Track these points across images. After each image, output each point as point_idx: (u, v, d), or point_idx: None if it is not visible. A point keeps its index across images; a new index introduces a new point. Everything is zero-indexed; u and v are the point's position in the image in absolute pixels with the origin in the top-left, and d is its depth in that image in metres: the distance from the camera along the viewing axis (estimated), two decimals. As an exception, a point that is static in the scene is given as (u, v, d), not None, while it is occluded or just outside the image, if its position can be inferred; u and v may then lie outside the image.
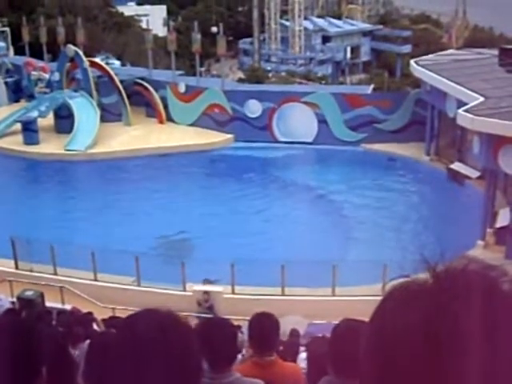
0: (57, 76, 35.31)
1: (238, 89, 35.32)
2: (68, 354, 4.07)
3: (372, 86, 36.89)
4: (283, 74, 62.91)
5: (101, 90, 34.32)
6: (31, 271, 19.30)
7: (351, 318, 3.33)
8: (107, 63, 37.22)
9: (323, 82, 59.29)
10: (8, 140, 32.41)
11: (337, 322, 3.38)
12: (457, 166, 27.54)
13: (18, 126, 32.40)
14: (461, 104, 23.12)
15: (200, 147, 32.01)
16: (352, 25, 72.51)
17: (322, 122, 31.85)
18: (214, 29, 54.26)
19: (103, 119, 33.02)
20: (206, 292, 18.17)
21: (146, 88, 34.64)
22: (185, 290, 18.52)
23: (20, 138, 32.08)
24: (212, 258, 17.81)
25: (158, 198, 26.53)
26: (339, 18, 74.23)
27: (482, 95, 22.79)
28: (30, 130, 31.97)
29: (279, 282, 18.10)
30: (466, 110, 21.37)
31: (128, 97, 34.15)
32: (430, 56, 31.42)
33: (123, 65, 43.85)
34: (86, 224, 23.96)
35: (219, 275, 18.46)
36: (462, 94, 24.13)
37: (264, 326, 4.32)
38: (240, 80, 54.65)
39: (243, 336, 8.77)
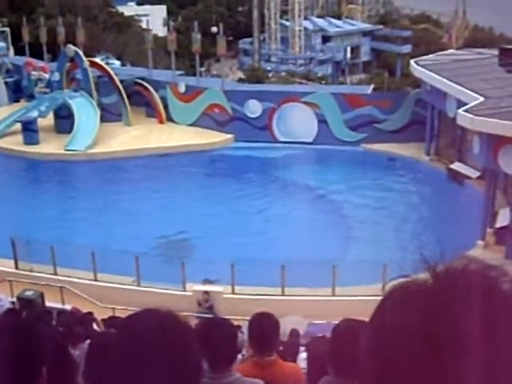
0: (57, 76, 35.31)
1: (237, 89, 35.32)
2: (68, 354, 4.07)
3: (372, 86, 36.89)
4: (283, 74, 62.90)
5: (101, 90, 34.32)
6: (31, 271, 19.30)
7: (351, 318, 3.33)
8: (107, 63, 37.21)
9: (323, 81, 59.29)
10: (8, 140, 32.41)
11: (337, 322, 3.38)
12: (457, 165, 27.54)
13: (18, 126, 32.41)
14: (461, 104, 23.12)
15: (200, 147, 32.01)
16: (352, 25, 72.50)
17: (322, 121, 31.85)
18: (214, 29, 54.26)
19: (103, 119, 33.02)
20: (206, 292, 18.17)
21: (146, 88, 34.64)
22: (185, 290, 18.52)
23: (20, 137, 32.08)
24: (212, 258, 17.82)
25: (158, 198, 26.52)
26: (339, 17, 74.22)
27: (481, 95, 22.79)
28: (30, 129, 31.97)
29: (279, 282, 18.10)
30: (466, 110, 21.37)
31: (128, 97, 34.15)
32: (430, 56, 31.42)
33: (123, 65, 43.84)
34: (86, 224, 23.95)
35: (219, 275, 18.46)
36: (462, 93, 24.13)
37: (264, 326, 4.32)
38: (240, 80, 54.65)
39: (243, 336, 8.77)
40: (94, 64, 34.84)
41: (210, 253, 19.26)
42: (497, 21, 65.28)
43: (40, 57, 38.98)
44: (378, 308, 1.13)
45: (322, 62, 67.59)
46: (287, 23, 69.35)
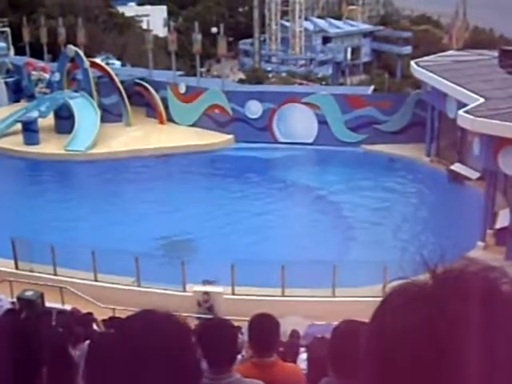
0: (57, 76, 35.31)
1: (238, 89, 35.34)
2: (68, 355, 4.07)
3: (372, 87, 36.90)
4: (283, 74, 62.93)
5: (101, 91, 34.32)
6: (31, 271, 19.29)
7: (351, 318, 3.33)
8: (108, 64, 37.23)
9: (323, 82, 59.31)
10: (8, 140, 32.41)
11: (337, 323, 3.38)
12: (457, 166, 27.54)
13: (19, 126, 32.42)
14: (461, 105, 23.12)
15: (200, 148, 32.01)
16: (352, 26, 72.56)
17: (323, 122, 31.86)
18: (215, 29, 54.30)
19: (103, 120, 33.01)
20: (206, 293, 18.16)
21: (146, 88, 34.65)
22: (185, 291, 18.51)
23: (20, 138, 32.08)
24: (212, 258, 17.81)
25: (158, 199, 26.51)
26: (340, 18, 74.30)
27: (482, 96, 22.78)
28: (30, 130, 31.97)
29: (279, 283, 18.09)
30: (466, 111, 21.36)
31: (128, 97, 34.16)
32: (431, 57, 31.42)
33: (123, 65, 43.84)
34: (86, 224, 23.94)
35: (219, 276, 18.45)
36: (463, 95, 24.12)
37: (264, 326, 4.32)
38: (240, 81, 54.68)
39: (243, 337, 8.77)
40: (94, 64, 34.85)
41: (210, 253, 19.25)
42: (497, 22, 65.28)
43: (40, 57, 38.99)
44: (378, 309, 1.13)
45: (322, 63, 67.63)
46: (288, 24, 69.38)
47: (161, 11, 71.14)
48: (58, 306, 16.42)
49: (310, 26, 69.66)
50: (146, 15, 58.25)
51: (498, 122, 20.18)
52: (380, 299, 1.13)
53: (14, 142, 31.96)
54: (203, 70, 52.97)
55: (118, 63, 42.24)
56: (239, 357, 6.33)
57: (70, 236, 21.92)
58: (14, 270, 19.34)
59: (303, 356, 8.40)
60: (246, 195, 27.39)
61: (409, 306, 1.06)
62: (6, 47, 42.11)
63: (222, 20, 53.58)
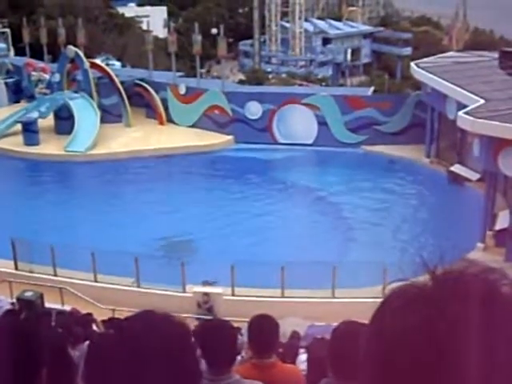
0: (57, 77, 35.33)
1: (238, 90, 35.34)
2: (67, 355, 4.07)
3: (372, 88, 36.89)
4: (283, 75, 62.88)
5: (101, 91, 34.33)
6: (31, 272, 19.28)
7: (351, 319, 3.33)
8: (107, 64, 37.23)
9: (323, 83, 59.26)
10: (8, 141, 32.41)
11: (337, 324, 3.38)
12: (457, 168, 27.54)
13: (19, 127, 32.43)
14: (461, 106, 23.13)
15: (200, 149, 32.02)
16: (352, 27, 72.55)
17: (323, 123, 31.87)
18: (215, 30, 54.30)
19: (103, 120, 33.02)
20: (205, 293, 18.16)
21: (146, 89, 34.66)
22: (185, 292, 18.50)
23: (20, 138, 32.09)
24: (212, 259, 17.81)
25: (158, 200, 26.51)
26: (340, 19, 74.29)
27: (482, 97, 22.80)
28: (30, 130, 31.98)
29: (279, 284, 18.09)
30: (466, 113, 21.37)
31: (128, 98, 34.17)
32: (431, 58, 31.43)
33: (123, 66, 43.82)
34: (86, 225, 23.94)
35: (219, 277, 18.45)
36: (463, 96, 24.14)
37: (263, 327, 4.32)
38: (240, 81, 54.65)
39: (243, 338, 8.77)
40: (94, 65, 34.86)
41: (210, 254, 19.24)
42: (497, 23, 65.31)
43: (40, 58, 39.00)
44: (377, 310, 1.12)
45: (322, 64, 67.61)
46: (288, 25, 69.37)
47: (161, 12, 71.11)
48: (58, 306, 16.43)
49: (310, 27, 69.65)
50: (146, 16, 58.19)
51: (498, 123, 20.19)
52: (380, 300, 1.13)
53: (14, 143, 31.97)
54: (203, 70, 52.99)
55: (117, 64, 42.20)
56: (239, 358, 6.33)
57: (70, 237, 21.91)
58: (14, 271, 19.34)
59: (303, 357, 8.40)
60: (246, 196, 27.39)
61: (408, 308, 1.06)
62: (5, 48, 42.16)
63: (222, 21, 53.59)
